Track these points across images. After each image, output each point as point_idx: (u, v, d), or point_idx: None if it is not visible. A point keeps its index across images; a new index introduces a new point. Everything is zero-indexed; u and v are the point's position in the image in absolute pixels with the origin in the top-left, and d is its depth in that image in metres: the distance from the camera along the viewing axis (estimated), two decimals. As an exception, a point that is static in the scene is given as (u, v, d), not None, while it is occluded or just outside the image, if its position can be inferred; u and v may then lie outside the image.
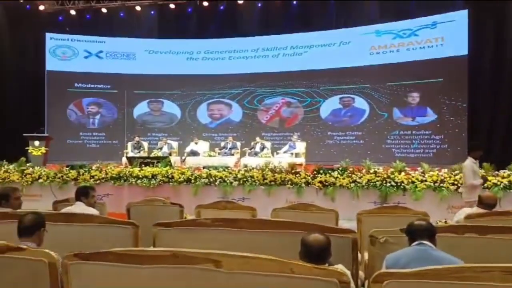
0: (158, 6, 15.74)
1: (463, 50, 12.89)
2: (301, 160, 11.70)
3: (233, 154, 12.39)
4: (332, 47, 14.92)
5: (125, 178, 9.17)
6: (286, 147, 12.43)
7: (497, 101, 13.64)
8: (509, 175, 7.74)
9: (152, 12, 15.83)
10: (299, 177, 8.46)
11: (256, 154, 12.01)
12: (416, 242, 2.61)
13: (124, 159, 11.50)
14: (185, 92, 15.91)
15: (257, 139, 12.76)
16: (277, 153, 12.31)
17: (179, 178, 8.76)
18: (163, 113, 16.05)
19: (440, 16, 13.37)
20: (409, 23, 13.86)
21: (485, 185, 7.57)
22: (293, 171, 8.61)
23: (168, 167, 9.13)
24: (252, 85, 15.70)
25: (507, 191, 7.70)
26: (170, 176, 8.84)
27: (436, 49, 13.41)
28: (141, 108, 16.03)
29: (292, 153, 12.02)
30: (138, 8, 15.63)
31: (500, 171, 8.00)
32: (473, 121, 13.52)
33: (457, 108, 13.07)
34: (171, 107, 16.01)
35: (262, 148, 12.33)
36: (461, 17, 13.00)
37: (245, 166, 9.07)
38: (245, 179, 8.65)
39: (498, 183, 7.69)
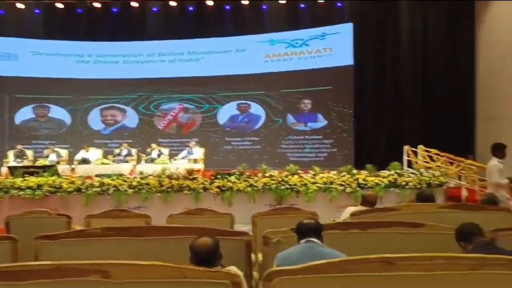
0: (44, 5, 14.67)
1: (349, 60, 13.87)
2: (199, 166, 11.66)
3: (127, 161, 11.95)
4: (228, 54, 15.13)
5: (5, 189, 8.36)
6: (183, 153, 12.31)
7: (380, 107, 14.93)
8: (389, 176, 8.45)
9: (37, 11, 14.70)
10: (196, 183, 8.42)
11: (152, 160, 11.71)
12: (304, 240, 2.74)
13: (4, 169, 10.51)
14: (75, 97, 15.00)
15: (153, 145, 12.46)
16: (175, 159, 12.13)
17: (68, 187, 8.22)
18: (50, 119, 14.95)
19: (328, 28, 14.26)
20: (300, 33, 14.56)
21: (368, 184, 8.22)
22: (190, 177, 8.53)
23: (55, 176, 8.52)
24: (148, 90, 15.32)
25: (387, 189, 8.39)
26: (58, 186, 8.25)
27: (325, 59, 14.25)
28: (25, 114, 14.79)
29: (190, 159, 11.93)
30: (20, 5, 14.40)
31: (381, 171, 8.71)
32: (359, 126, 14.63)
33: (344, 114, 14.02)
34: (59, 113, 14.98)
35: (159, 155, 12.06)
36: (346, 29, 13.99)
37: (141, 173, 8.78)
38: (140, 187, 8.39)
39: (380, 182, 8.35)
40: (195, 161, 11.90)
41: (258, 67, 14.80)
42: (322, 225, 2.89)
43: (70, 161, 11.99)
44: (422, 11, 15.03)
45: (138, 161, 12.20)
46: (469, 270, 2.10)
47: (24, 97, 14.64)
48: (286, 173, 8.59)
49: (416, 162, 10.41)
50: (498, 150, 6.70)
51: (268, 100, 14.86)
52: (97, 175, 8.90)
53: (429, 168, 9.65)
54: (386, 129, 14.95)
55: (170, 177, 8.51)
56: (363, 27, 14.38)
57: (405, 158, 10.82)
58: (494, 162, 6.59)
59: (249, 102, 15.07)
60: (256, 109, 14.98)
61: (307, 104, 14.51)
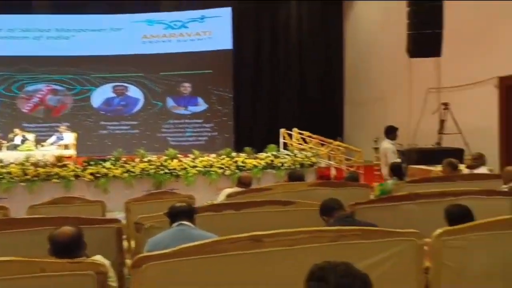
0: None
1: (228, 45, 13.99)
2: (71, 152, 10.88)
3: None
4: (102, 33, 14.24)
5: None
6: (53, 139, 11.37)
7: (258, 91, 15.39)
8: (266, 158, 8.76)
9: None
10: (67, 170, 7.84)
11: (15, 147, 10.62)
12: (176, 223, 2.70)
13: None
14: None
15: (17, 130, 11.29)
16: (43, 146, 11.14)
17: None
18: None
19: (208, 11, 14.18)
20: (179, 15, 14.27)
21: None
22: (60, 164, 7.92)
23: None
24: (10, 70, 13.78)
25: (265, 171, 8.70)
26: None
27: (204, 42, 14.18)
28: None
29: (60, 145, 11.06)
30: None
31: (259, 154, 8.99)
32: (239, 110, 14.93)
33: (224, 98, 14.17)
34: None
35: (23, 141, 10.97)
36: (225, 13, 14.06)
37: (1, 161, 7.91)
38: (0, 176, 7.56)
39: (258, 164, 8.62)
40: (66, 147, 11.06)
41: (135, 48, 14.18)
42: (195, 207, 2.87)
43: None
44: (297, 1, 15.75)
45: (-1, 148, 10.96)
46: (330, 241, 2.25)
47: None
48: (165, 157, 8.42)
49: (291, 144, 10.94)
50: (390, 132, 7.07)
51: (146, 83, 14.36)
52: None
53: (303, 149, 10.21)
54: (265, 112, 15.50)
55: (35, 164, 7.79)
56: (242, 12, 14.61)
57: (281, 140, 11.30)
58: (388, 144, 6.94)
59: (126, 85, 14.41)
60: (133, 92, 14.40)
61: (187, 87, 14.34)
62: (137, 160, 8.32)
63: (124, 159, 8.29)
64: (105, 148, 12.97)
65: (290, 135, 11.43)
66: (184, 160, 8.48)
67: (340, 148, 10.97)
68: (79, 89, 14.24)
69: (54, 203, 4.29)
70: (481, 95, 10.67)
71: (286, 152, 9.30)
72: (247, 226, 2.71)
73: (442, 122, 8.37)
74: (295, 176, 4.72)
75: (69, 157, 9.69)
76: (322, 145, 11.24)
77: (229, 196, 4.05)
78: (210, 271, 2.08)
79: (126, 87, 14.41)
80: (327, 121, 16.52)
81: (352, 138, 16.54)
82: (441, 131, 8.25)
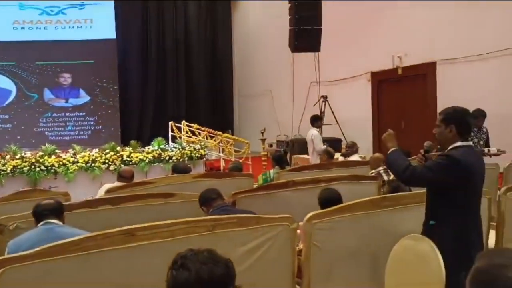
0: None
1: (112, 34, 13.34)
2: None
3: None
4: (-36, 16, 12.69)
5: None
6: None
7: (145, 83, 14.94)
8: (153, 151, 8.55)
9: None
10: None
11: None
12: (42, 222, 2.51)
13: None
14: None
15: None
16: None
17: None
18: None
19: (88, -3, 13.38)
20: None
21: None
22: None
23: None
24: None
25: (152, 164, 8.49)
26: None
27: (86, 30, 13.36)
28: None
29: None
30: None
31: (146, 147, 8.75)
32: (126, 102, 14.36)
33: (109, 90, 13.51)
34: None
35: None
36: (107, 1, 13.36)
37: None
38: None
39: (144, 158, 8.39)
40: None
41: (5, 34, 12.86)
42: (63, 204, 2.69)
43: None
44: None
45: None
46: (206, 231, 2.26)
47: None
48: (41, 153, 7.79)
49: (180, 137, 10.80)
50: (316, 121, 7.46)
51: (19, 73, 13.12)
52: None
53: (192, 142, 10.15)
54: (153, 105, 15.12)
55: None
56: (126, 6, 14.05)
57: (170, 133, 11.12)
58: (314, 131, 7.28)
59: (-5, 74, 13.03)
60: (4, 82, 13.06)
61: (67, 78, 13.40)
62: (7, 157, 7.58)
63: (-9, 156, 7.50)
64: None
65: (179, 128, 11.30)
66: (64, 155, 7.93)
67: (229, 140, 11.11)
68: None
69: None
70: (357, 89, 11.60)
71: (174, 145, 9.15)
72: (126, 221, 2.62)
73: (321, 114, 8.89)
74: (179, 168, 4.67)
75: None
76: (211, 137, 11.29)
77: (108, 191, 3.87)
78: (80, 270, 1.97)
79: (-5, 77, 13.04)
80: (218, 114, 16.69)
81: (242, 130, 16.91)
82: (321, 122, 8.75)
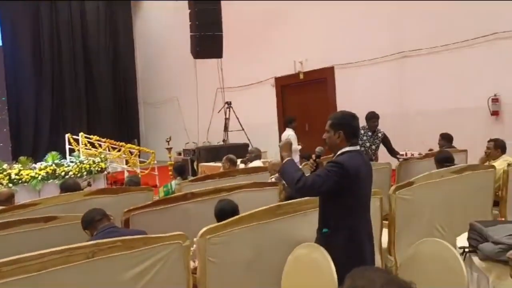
0: None
1: (-3, 41, 12.21)
2: None
3: None
4: None
5: None
6: None
7: (40, 94, 13.87)
8: (46, 167, 7.89)
9: None
10: None
11: None
12: None
13: None
14: None
15: None
16: None
17: None
18: None
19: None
20: None
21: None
22: None
23: None
24: None
25: (46, 182, 7.84)
26: None
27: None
28: None
29: None
30: None
31: (38, 163, 8.06)
32: (17, 115, 13.21)
33: (-4, 101, 12.33)
34: None
35: None
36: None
37: None
38: None
39: (36, 175, 7.71)
40: None
41: None
42: None
43: None
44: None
45: None
46: (86, 259, 2.03)
47: None
48: None
49: (78, 150, 10.12)
50: (291, 122, 7.64)
51: None
52: None
53: (92, 155, 9.55)
54: (49, 117, 14.08)
55: None
56: (14, 5, 12.92)
57: (67, 146, 10.36)
58: (290, 131, 7.37)
59: None
60: None
61: None
62: None
63: None
64: None
65: (77, 141, 10.56)
66: None
67: (133, 150, 10.63)
68: None
69: None
70: (262, 94, 11.77)
71: (71, 159, 8.53)
72: (3, 252, 2.29)
73: (226, 120, 8.84)
74: (68, 186, 4.29)
75: None
76: (114, 149, 10.73)
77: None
78: None
79: None
80: (123, 124, 15.99)
81: (149, 139, 16.37)
82: (226, 128, 8.73)
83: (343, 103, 9.55)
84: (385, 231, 3.30)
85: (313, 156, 2.55)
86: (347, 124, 2.46)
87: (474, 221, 2.52)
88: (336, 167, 2.33)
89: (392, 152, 5.52)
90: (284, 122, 8.51)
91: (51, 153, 8.32)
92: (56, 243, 2.56)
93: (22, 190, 7.58)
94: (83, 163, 8.30)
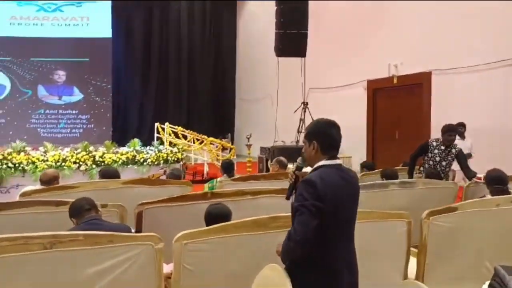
0: None
1: (108, 33, 13.26)
2: None
3: None
4: (-39, 11, 12.78)
5: None
6: None
7: (143, 83, 14.82)
8: (127, 152, 8.35)
9: None
10: None
11: None
12: None
13: None
14: None
15: None
16: None
17: None
18: None
19: (86, -5, 13.36)
20: (54, -4, 13.29)
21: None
22: None
23: None
24: None
25: (125, 166, 8.28)
26: None
27: (82, 28, 13.32)
28: None
29: None
30: None
31: (121, 148, 8.56)
32: (120, 102, 14.25)
33: (103, 88, 13.42)
34: None
35: None
36: (106, 0, 13.31)
37: None
38: None
39: (117, 159, 8.19)
40: None
41: (1, 29, 12.89)
42: None
43: None
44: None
45: None
46: (43, 249, 2.00)
47: None
48: (9, 150, 7.65)
49: (164, 139, 10.58)
50: None
51: (14, 68, 13.14)
52: None
53: (175, 145, 9.92)
54: (152, 107, 14.97)
55: None
56: (128, 6, 13.97)
57: (155, 135, 10.92)
58: None
59: (-10, 69, 13.09)
60: (-1, 77, 13.13)
61: (61, 75, 13.37)
62: (-26, 153, 7.47)
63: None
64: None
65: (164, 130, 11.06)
66: (34, 153, 7.78)
67: (216, 144, 10.87)
68: None
69: None
70: (352, 96, 11.28)
71: (150, 147, 8.93)
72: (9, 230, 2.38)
73: (300, 121, 8.58)
74: (108, 173, 4.43)
75: None
76: (198, 140, 11.07)
77: (22, 195, 3.66)
78: None
79: (-10, 72, 13.10)
80: (218, 118, 16.48)
81: (242, 134, 16.67)
82: (300, 129, 8.48)
83: (438, 112, 8.78)
84: (413, 261, 2.87)
85: (293, 167, 2.25)
86: (322, 133, 2.10)
87: (500, 265, 2.04)
88: (304, 187, 1.96)
89: (468, 172, 4.76)
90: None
91: (133, 140, 8.79)
92: (64, 227, 2.61)
93: (104, 172, 8.11)
94: (161, 152, 8.64)
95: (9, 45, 12.93)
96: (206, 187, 4.77)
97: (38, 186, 4.21)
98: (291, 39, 8.62)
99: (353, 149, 10.70)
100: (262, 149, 9.71)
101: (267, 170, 8.67)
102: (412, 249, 2.86)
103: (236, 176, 4.87)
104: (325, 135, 2.11)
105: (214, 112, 16.40)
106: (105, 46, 13.22)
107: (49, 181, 4.05)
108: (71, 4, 13.29)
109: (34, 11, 13.19)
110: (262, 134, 11.96)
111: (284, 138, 12.10)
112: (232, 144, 14.64)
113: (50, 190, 3.73)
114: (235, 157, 10.77)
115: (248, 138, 9.94)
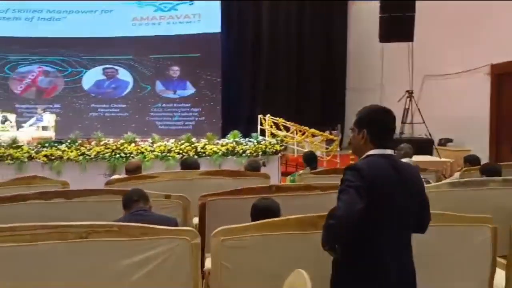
0: None
1: (217, 28, 13.71)
2: (50, 133, 10.94)
3: (-34, 128, 10.83)
4: (93, 15, 14.19)
5: None
6: (32, 120, 11.45)
7: (250, 76, 15.07)
8: (227, 144, 8.54)
9: None
10: (21, 152, 7.83)
11: (-6, 127, 10.73)
12: None
13: None
14: None
15: (-4, 111, 11.43)
16: (23, 127, 11.25)
17: None
18: None
19: (198, -7, 13.94)
20: (169, -3, 14.11)
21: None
22: (14, 145, 7.92)
23: None
24: (2, 50, 13.93)
25: (225, 157, 8.48)
26: None
27: (194, 25, 13.96)
28: None
29: (38, 127, 11.12)
30: None
31: (222, 140, 8.79)
32: (231, 95, 14.68)
33: (213, 82, 13.94)
34: None
35: (4, 121, 11.09)
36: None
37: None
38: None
39: (218, 150, 8.41)
40: (45, 128, 11.11)
41: (125, 30, 14.07)
42: None
43: None
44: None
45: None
46: (78, 238, 2.04)
47: None
48: (122, 141, 8.32)
49: (272, 133, 10.59)
50: None
51: (136, 66, 14.28)
52: None
53: (275, 136, 9.91)
54: (261, 99, 15.16)
55: (-10, 145, 7.82)
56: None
57: (259, 126, 11.02)
58: None
59: (116, 67, 14.37)
60: (123, 74, 14.35)
61: (176, 71, 14.19)
62: (93, 143, 8.25)
63: (79, 141, 8.22)
64: (94, 130, 12.95)
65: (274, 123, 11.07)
66: (142, 144, 8.36)
67: (318, 136, 10.62)
68: (70, 71, 14.30)
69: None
70: (472, 84, 10.17)
71: (249, 139, 9.01)
72: (75, 216, 2.52)
73: (405, 111, 7.93)
74: (187, 163, 4.49)
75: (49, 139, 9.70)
76: (300, 132, 10.92)
77: (107, 183, 3.88)
78: None
79: (116, 69, 14.38)
80: (327, 109, 16.08)
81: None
82: (404, 120, 7.83)
83: None
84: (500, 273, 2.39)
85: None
86: (373, 121, 1.90)
87: None
88: (352, 174, 1.78)
89: None
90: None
91: (233, 131, 8.95)
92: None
93: (205, 162, 8.40)
94: (260, 144, 8.68)
95: (131, 44, 14.06)
96: (287, 179, 4.61)
97: (122, 175, 4.45)
98: (397, 22, 7.98)
99: (472, 140, 9.70)
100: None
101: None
102: (500, 259, 2.39)
103: (319, 169, 4.63)
104: (376, 124, 1.92)
105: (323, 103, 16.03)
106: (215, 41, 13.68)
107: (133, 170, 4.25)
108: (184, 3, 14.00)
109: (152, 11, 14.17)
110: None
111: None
112: (342, 136, 14.20)
113: (130, 180, 3.90)
114: (338, 149, 10.40)
115: (352, 130, 9.47)
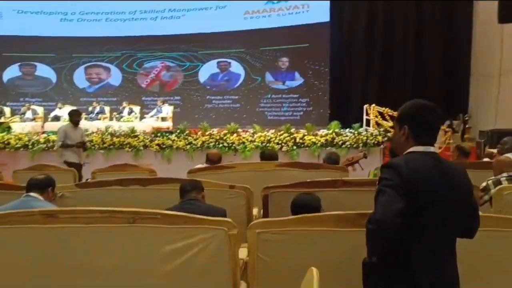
0: (27, -37, 14.80)
1: (326, 17, 13.51)
2: (168, 124, 11.87)
3: (99, 119, 12.27)
4: (208, 11, 14.97)
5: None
6: (153, 112, 12.53)
7: (369, 65, 14.54)
8: (326, 135, 8.44)
9: (20, -30, 14.87)
10: (137, 141, 8.66)
11: (120, 118, 11.99)
12: (24, 194, 2.90)
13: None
14: (60, 55, 15.30)
15: (124, 103, 12.73)
16: (145, 117, 12.38)
17: (16, 144, 8.63)
18: (36, 77, 15.39)
19: (306, -17, 13.86)
20: (279, -11, 14.26)
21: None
22: (132, 134, 8.78)
23: (5, 133, 8.94)
24: (131, 48, 15.43)
25: (324, 148, 8.40)
26: (6, 142, 8.68)
27: (302, 15, 13.95)
28: (12, 72, 15.25)
29: (158, 117, 12.14)
30: (2, -36, 14.59)
31: (321, 131, 8.70)
32: (340, 84, 14.37)
33: (320, 72, 13.82)
34: (45, 71, 15.37)
35: (130, 113, 12.33)
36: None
37: (86, 130, 9.07)
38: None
39: (317, 141, 8.37)
40: (163, 119, 12.09)
41: (238, 24, 14.60)
42: (52, 180, 3.02)
43: (45, 118, 12.40)
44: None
45: (111, 118, 12.49)
46: (125, 223, 2.23)
47: (10, 56, 15.05)
48: (225, 131, 8.71)
49: (376, 122, 10.20)
50: None
51: (247, 58, 14.75)
52: (44, 132, 9.27)
53: (381, 126, 9.51)
54: (375, 88, 14.58)
55: (112, 134, 8.77)
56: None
57: (364, 117, 10.66)
58: None
59: (229, 60, 15.01)
60: (236, 67, 14.93)
61: (284, 62, 14.35)
62: (199, 133, 8.77)
63: (187, 131, 8.80)
64: (210, 121, 13.68)
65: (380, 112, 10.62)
66: (243, 134, 8.66)
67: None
68: (188, 65, 15.31)
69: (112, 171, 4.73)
70: None
71: (350, 130, 8.78)
72: (129, 203, 2.79)
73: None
74: (266, 155, 4.53)
75: (166, 129, 10.60)
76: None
77: (189, 172, 4.12)
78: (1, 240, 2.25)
79: (229, 62, 15.02)
80: (448, 97, 14.87)
81: (478, 116, 14.71)
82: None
83: None
84: None
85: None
86: (414, 116, 1.79)
87: None
88: (388, 172, 1.69)
89: None
90: None
91: (333, 122, 8.81)
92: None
93: (304, 154, 8.44)
94: (360, 135, 8.42)
95: (243, 37, 14.55)
96: (370, 173, 4.43)
97: (204, 165, 4.67)
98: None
99: None
100: (481, 132, 8.38)
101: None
102: None
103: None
104: (419, 119, 1.82)
105: (443, 91, 14.83)
106: (323, 31, 13.50)
107: (214, 160, 4.45)
108: (293, -7, 14.06)
109: (262, 4, 14.47)
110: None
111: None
112: (465, 126, 13.06)
113: (210, 169, 4.10)
114: (451, 141, 9.60)
115: (467, 120, 8.69)
